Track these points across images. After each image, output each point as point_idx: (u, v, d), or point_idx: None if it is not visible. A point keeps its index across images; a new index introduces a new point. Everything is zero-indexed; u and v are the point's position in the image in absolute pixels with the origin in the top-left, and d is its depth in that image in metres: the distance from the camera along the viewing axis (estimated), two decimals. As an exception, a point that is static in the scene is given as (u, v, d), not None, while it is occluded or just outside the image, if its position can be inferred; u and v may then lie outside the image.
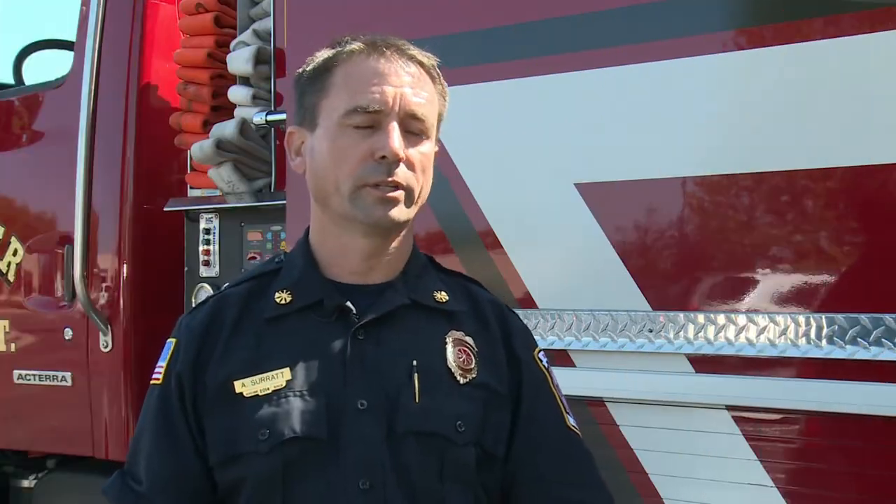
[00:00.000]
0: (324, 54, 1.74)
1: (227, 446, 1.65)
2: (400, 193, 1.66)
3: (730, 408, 2.48)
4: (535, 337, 1.90)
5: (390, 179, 1.65)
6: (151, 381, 1.75)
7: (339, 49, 1.72)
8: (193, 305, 1.94)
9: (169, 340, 1.76)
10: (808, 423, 2.43)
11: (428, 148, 1.72)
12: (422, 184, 1.70)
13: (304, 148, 1.75)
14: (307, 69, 1.76)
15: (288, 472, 1.62)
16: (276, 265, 1.80)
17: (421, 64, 1.72)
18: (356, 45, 1.70)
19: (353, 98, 1.66)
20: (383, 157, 1.64)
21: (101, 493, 1.76)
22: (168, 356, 1.73)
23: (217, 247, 3.73)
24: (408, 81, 1.68)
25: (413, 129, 1.68)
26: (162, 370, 1.73)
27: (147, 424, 1.73)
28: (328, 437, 1.62)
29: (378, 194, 1.65)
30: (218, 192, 3.69)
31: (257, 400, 1.64)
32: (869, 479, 2.37)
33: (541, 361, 1.83)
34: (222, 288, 1.84)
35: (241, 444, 1.64)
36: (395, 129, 1.65)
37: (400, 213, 1.67)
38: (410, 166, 1.67)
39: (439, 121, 1.77)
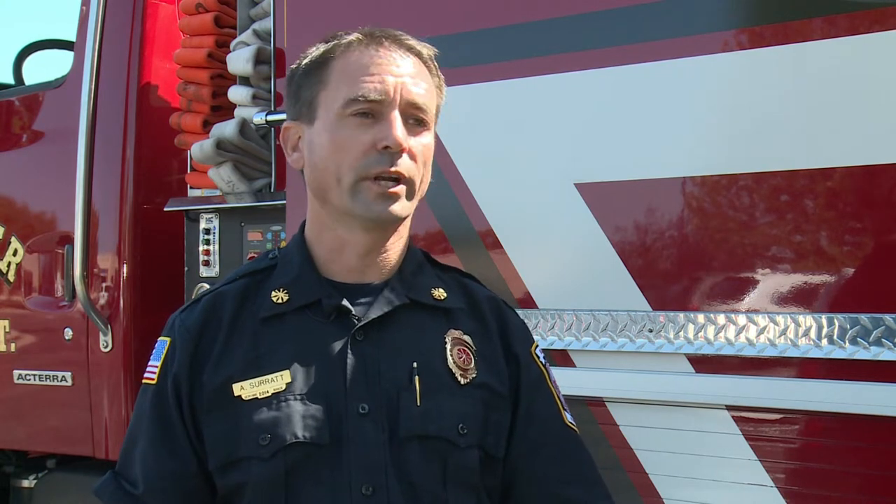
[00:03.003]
0: (320, 48, 1.71)
1: (227, 450, 1.62)
2: (401, 188, 1.63)
3: (730, 408, 2.48)
4: (535, 337, 1.88)
5: (392, 170, 1.61)
6: (144, 381, 1.71)
7: (336, 41, 1.69)
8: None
9: (162, 339, 1.72)
10: (808, 423, 2.43)
11: (429, 139, 1.69)
12: (422, 175, 1.67)
13: (302, 142, 1.71)
14: (302, 63, 1.73)
15: (290, 478, 1.60)
16: (271, 261, 1.75)
17: (419, 55, 1.70)
18: (354, 36, 1.68)
19: (353, 88, 1.63)
20: (386, 147, 1.60)
21: (92, 493, 1.72)
22: (162, 356, 1.69)
23: (217, 247, 3.72)
24: (407, 71, 1.65)
25: (415, 119, 1.65)
26: (156, 370, 1.69)
27: (141, 425, 1.69)
28: (330, 442, 1.60)
29: (379, 189, 1.62)
30: (218, 192, 3.69)
31: (256, 403, 1.61)
32: (869, 479, 2.36)
33: (538, 358, 1.81)
34: (215, 285, 1.79)
35: (241, 448, 1.61)
36: (397, 119, 1.62)
37: (401, 207, 1.64)
38: (413, 157, 1.64)
39: (437, 113, 1.74)
